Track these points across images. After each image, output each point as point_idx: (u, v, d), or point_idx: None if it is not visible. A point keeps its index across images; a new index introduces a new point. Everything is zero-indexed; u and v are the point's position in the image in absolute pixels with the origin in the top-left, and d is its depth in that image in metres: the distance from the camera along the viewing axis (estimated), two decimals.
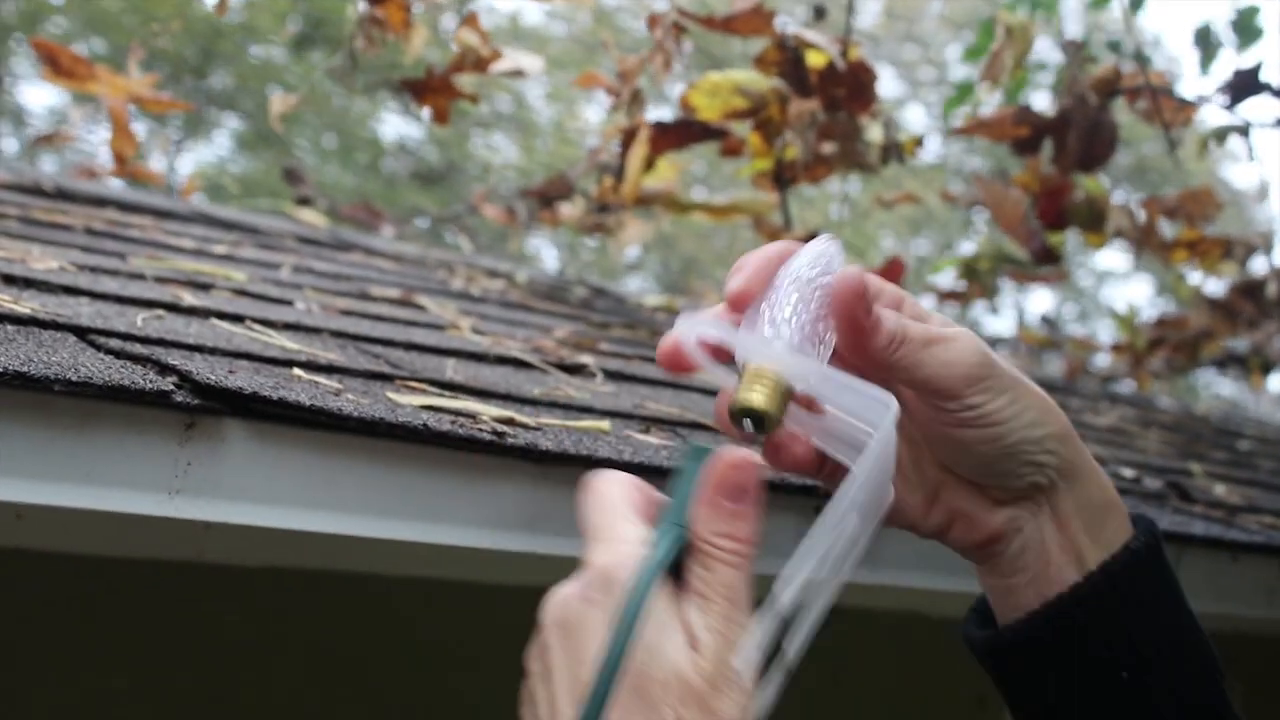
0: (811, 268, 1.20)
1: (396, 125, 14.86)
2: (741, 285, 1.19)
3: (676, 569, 1.05)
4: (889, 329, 1.18)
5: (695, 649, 1.02)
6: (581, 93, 15.36)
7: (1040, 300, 16.71)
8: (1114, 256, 17.75)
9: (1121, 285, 19.26)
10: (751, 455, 1.10)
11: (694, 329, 1.18)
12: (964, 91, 4.82)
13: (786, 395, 1.16)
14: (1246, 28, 4.13)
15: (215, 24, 11.82)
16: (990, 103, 3.81)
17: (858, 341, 1.18)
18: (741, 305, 1.19)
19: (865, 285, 1.16)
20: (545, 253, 14.67)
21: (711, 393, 2.51)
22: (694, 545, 1.06)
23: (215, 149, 14.29)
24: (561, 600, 1.06)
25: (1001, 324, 15.87)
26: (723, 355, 1.19)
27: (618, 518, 1.10)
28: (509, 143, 15.62)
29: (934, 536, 1.30)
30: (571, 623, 1.05)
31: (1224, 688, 1.30)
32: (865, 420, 1.15)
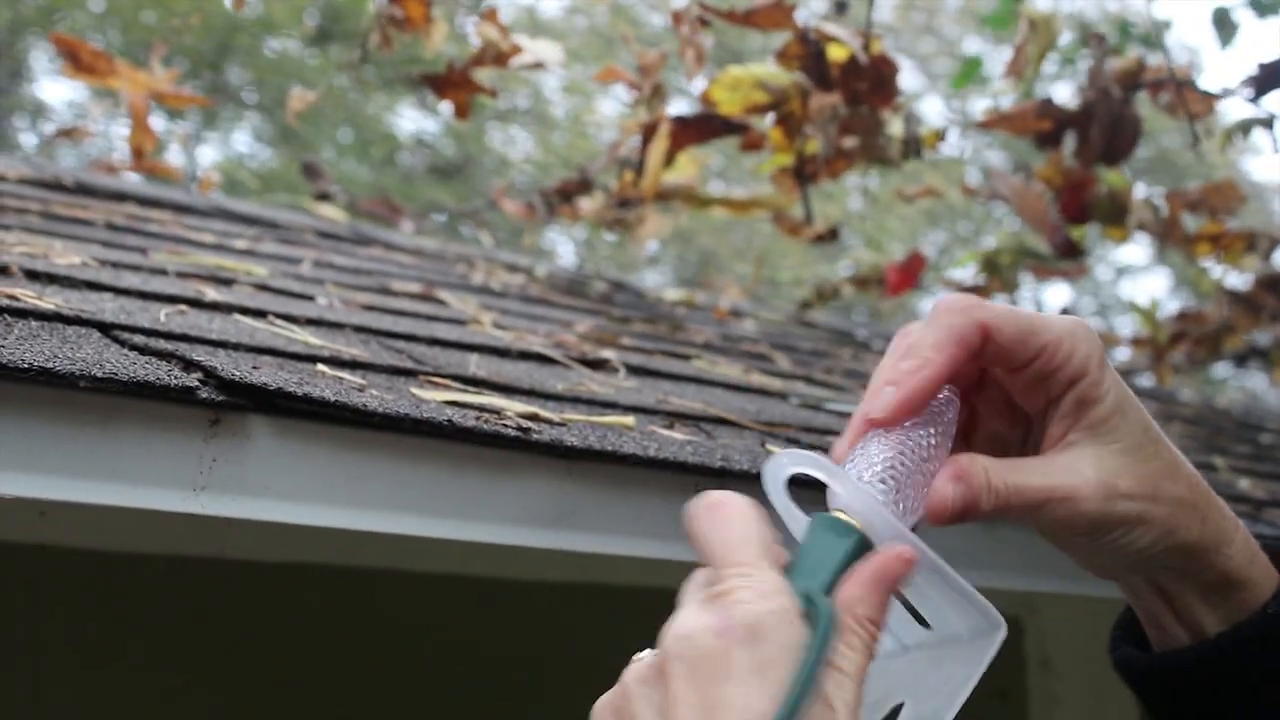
0: (943, 433, 1.13)
1: (413, 119, 14.87)
2: (893, 410, 1.11)
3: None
4: (982, 509, 1.11)
5: None
6: (598, 86, 15.36)
7: (1058, 295, 16.64)
8: (1132, 250, 17.68)
9: (1140, 279, 19.20)
10: (911, 551, 1.07)
11: (788, 467, 1.11)
12: (972, 66, 4.80)
13: None
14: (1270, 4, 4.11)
15: (232, 18, 11.83)
16: (1004, 96, 3.79)
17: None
18: (887, 424, 1.12)
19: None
20: (562, 248, 14.66)
21: (735, 388, 2.51)
22: (842, 621, 1.02)
23: (233, 144, 14.31)
24: (697, 632, 0.99)
25: None
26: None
27: (758, 555, 1.04)
28: (526, 136, 15.62)
29: None
30: (707, 662, 0.98)
31: None
32: (955, 621, 1.12)
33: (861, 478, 1.10)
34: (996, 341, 1.14)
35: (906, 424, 1.12)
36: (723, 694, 0.97)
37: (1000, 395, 1.22)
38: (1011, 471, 1.14)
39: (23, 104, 13.59)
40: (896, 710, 1.15)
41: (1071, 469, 1.15)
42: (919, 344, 1.14)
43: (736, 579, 1.02)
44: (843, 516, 1.08)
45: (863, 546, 1.07)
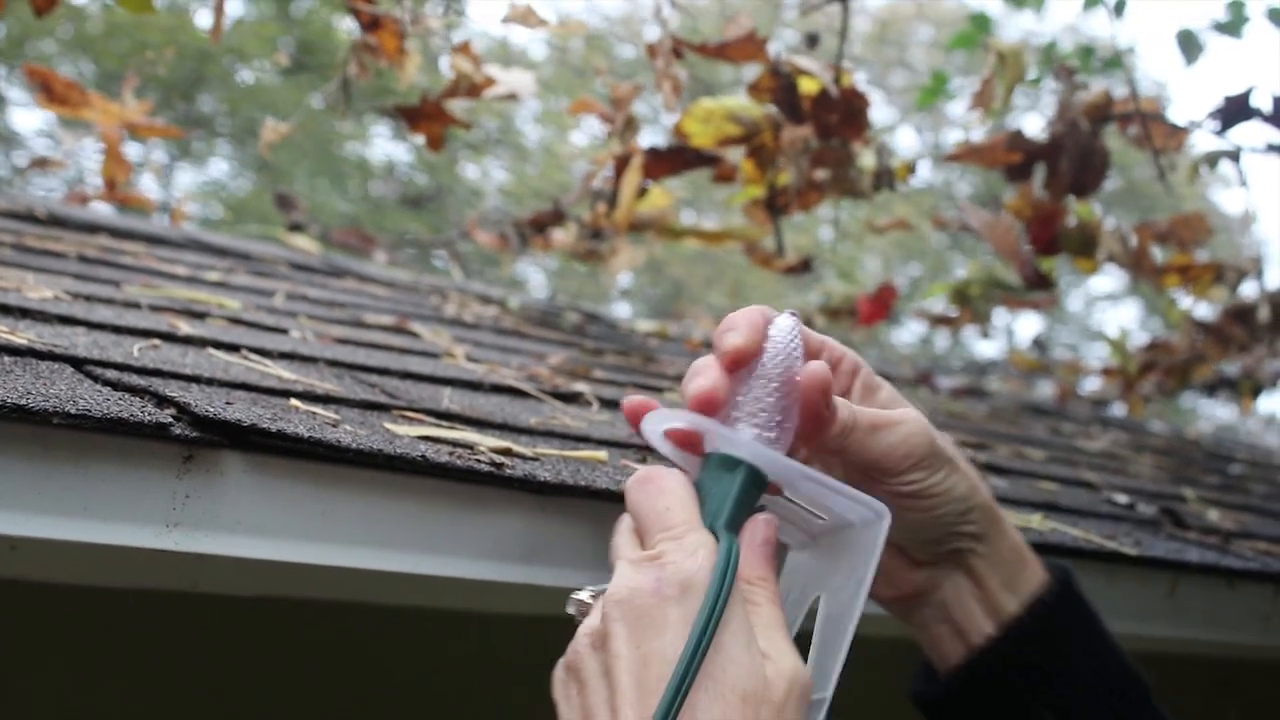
0: (775, 357, 1.27)
1: (384, 148, 14.86)
2: (741, 345, 1.26)
3: None
4: (842, 419, 1.27)
5: (767, 659, 1.11)
6: (570, 117, 15.38)
7: (1028, 325, 16.72)
8: (1105, 281, 17.78)
9: (1111, 310, 19.29)
10: (769, 516, 1.25)
11: (662, 423, 1.28)
12: (938, 82, 4.82)
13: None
14: (1233, 24, 4.15)
15: (204, 49, 11.81)
16: (974, 129, 3.81)
17: (815, 430, 1.27)
18: (739, 365, 1.26)
19: (829, 382, 1.24)
20: (534, 279, 14.65)
21: None
22: (743, 579, 1.18)
23: (205, 173, 14.28)
24: (633, 590, 1.11)
25: (990, 348, 15.89)
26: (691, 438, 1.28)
27: (690, 519, 1.18)
28: (498, 166, 15.62)
29: None
30: (644, 616, 1.10)
31: (1154, 706, 1.38)
32: (840, 518, 1.31)
33: (752, 415, 1.26)
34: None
35: (759, 378, 1.27)
36: (658, 647, 1.09)
37: None
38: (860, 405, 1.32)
39: None
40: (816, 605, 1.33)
41: (903, 411, 1.33)
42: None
43: (666, 542, 1.16)
44: (729, 453, 1.24)
45: (752, 473, 1.24)
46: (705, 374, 1.25)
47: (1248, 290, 4.76)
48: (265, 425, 1.37)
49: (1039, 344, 6.80)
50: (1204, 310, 5.06)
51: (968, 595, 1.36)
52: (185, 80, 12.38)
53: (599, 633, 1.12)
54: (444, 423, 1.73)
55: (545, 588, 1.53)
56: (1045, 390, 6.89)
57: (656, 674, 1.07)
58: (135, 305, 2.28)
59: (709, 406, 1.24)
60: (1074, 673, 1.34)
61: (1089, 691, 1.34)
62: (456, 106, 3.36)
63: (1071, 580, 1.38)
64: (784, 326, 1.29)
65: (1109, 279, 17.19)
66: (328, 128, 12.35)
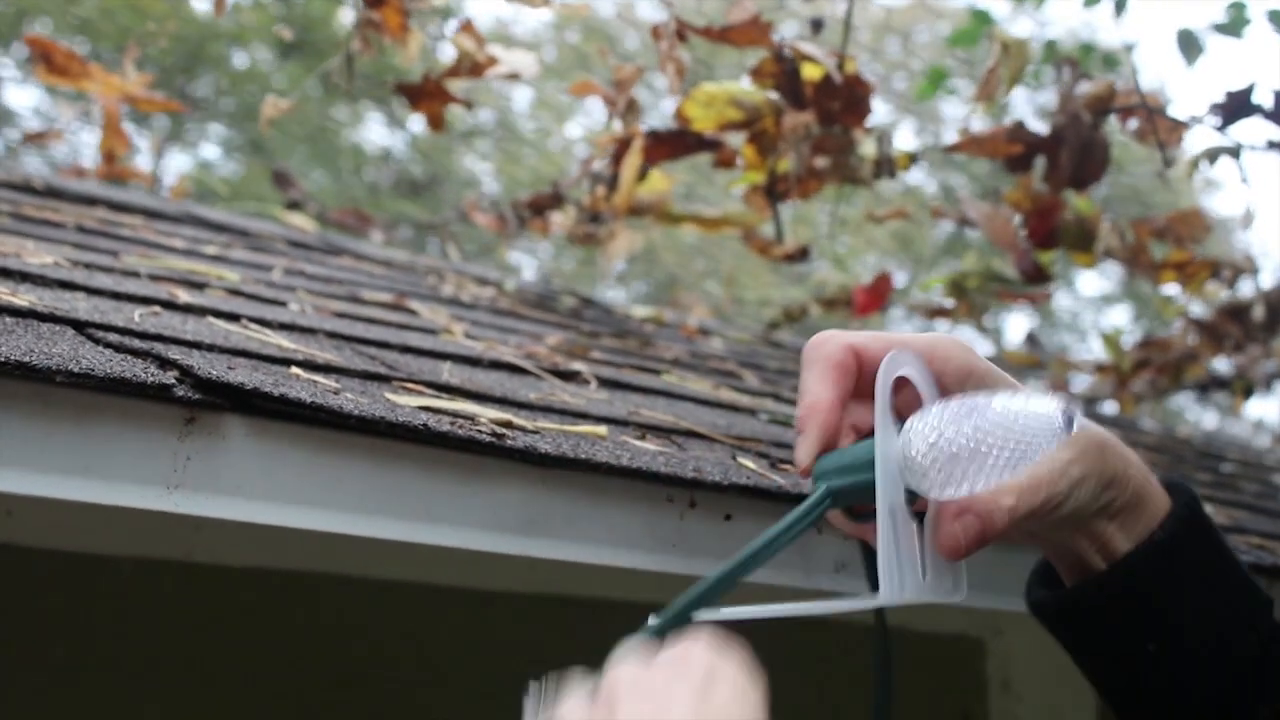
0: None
1: (379, 133, 14.84)
2: (802, 458, 1.26)
3: None
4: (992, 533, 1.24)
5: None
6: (566, 106, 15.36)
7: (1017, 325, 16.72)
8: (1093, 282, 17.77)
9: (1102, 311, 19.31)
10: None
11: (902, 365, 1.26)
12: (937, 75, 4.82)
13: None
14: (1234, 25, 4.16)
15: (202, 28, 11.77)
16: (975, 118, 3.81)
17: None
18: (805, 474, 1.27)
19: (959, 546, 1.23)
20: (526, 267, 14.64)
21: (705, 403, 2.51)
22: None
23: (199, 152, 14.25)
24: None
25: (982, 344, 15.89)
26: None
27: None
28: (494, 153, 15.60)
29: None
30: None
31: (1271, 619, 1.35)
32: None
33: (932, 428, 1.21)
34: (867, 357, 1.28)
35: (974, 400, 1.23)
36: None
37: None
38: (1003, 488, 1.23)
39: None
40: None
41: (1039, 469, 1.24)
42: (804, 387, 1.29)
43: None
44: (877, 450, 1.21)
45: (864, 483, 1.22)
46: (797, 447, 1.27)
47: (1244, 288, 4.77)
48: (268, 389, 1.37)
49: (1032, 339, 6.79)
50: (1198, 309, 5.07)
51: (1075, 541, 1.33)
52: (180, 63, 12.35)
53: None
54: (444, 395, 1.73)
55: (541, 560, 1.53)
56: (1035, 387, 6.89)
57: None
58: (134, 274, 2.28)
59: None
60: (1184, 607, 1.31)
61: (1203, 623, 1.31)
62: (457, 87, 3.36)
63: (1191, 508, 1.33)
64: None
65: (1098, 281, 17.20)
66: (322, 114, 12.34)
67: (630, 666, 1.00)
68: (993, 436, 1.20)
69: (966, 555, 1.23)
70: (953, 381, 1.29)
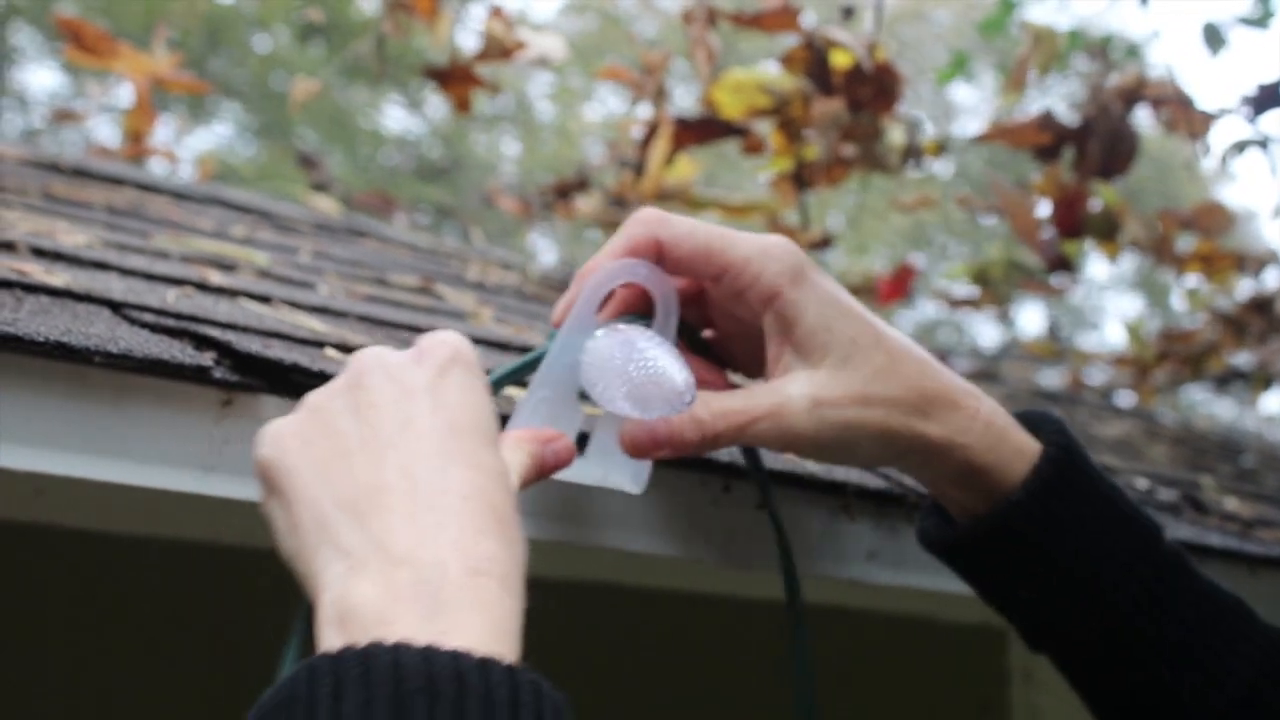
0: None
1: (397, 117, 14.86)
2: (559, 314, 1.29)
3: None
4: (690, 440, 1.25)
5: None
6: (584, 93, 15.36)
7: (1031, 316, 16.69)
8: (1102, 270, 17.72)
9: (1115, 299, 19.28)
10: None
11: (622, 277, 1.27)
12: (959, 60, 4.80)
13: None
14: (1260, 17, 4.14)
15: (223, 12, 11.82)
16: (1004, 109, 3.80)
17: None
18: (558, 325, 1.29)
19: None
20: (545, 252, 14.65)
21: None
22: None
23: (218, 135, 14.28)
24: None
25: (992, 334, 15.86)
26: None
27: None
28: (513, 140, 15.62)
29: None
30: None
31: (1166, 545, 1.34)
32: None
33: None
34: (674, 256, 1.26)
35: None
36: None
37: (728, 315, 1.32)
38: (715, 400, 1.23)
39: (7, 90, 13.54)
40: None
41: (776, 389, 1.23)
42: (599, 252, 1.28)
43: None
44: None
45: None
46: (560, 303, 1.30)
47: (1269, 280, 4.76)
48: (306, 365, 1.37)
49: (1053, 330, 6.78)
50: (1222, 300, 5.05)
51: (941, 480, 1.30)
52: (201, 44, 12.36)
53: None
54: None
55: (585, 548, 1.52)
56: (1050, 378, 6.86)
57: None
58: (165, 255, 2.28)
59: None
60: (1069, 543, 1.27)
61: (1095, 554, 1.28)
62: (485, 70, 3.35)
63: (1063, 444, 1.28)
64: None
65: (1106, 268, 17.15)
66: (343, 96, 12.35)
67: (376, 348, 1.12)
68: (620, 378, 1.22)
69: (653, 450, 1.23)
70: (685, 270, 1.29)
